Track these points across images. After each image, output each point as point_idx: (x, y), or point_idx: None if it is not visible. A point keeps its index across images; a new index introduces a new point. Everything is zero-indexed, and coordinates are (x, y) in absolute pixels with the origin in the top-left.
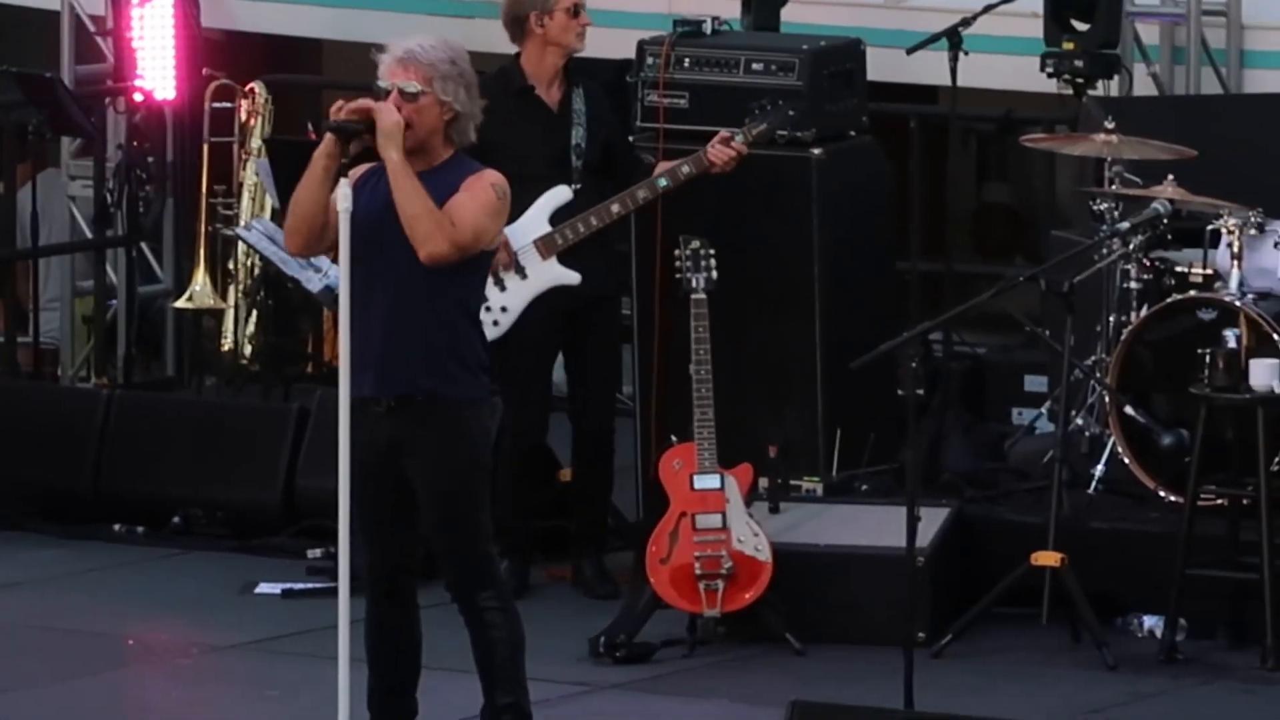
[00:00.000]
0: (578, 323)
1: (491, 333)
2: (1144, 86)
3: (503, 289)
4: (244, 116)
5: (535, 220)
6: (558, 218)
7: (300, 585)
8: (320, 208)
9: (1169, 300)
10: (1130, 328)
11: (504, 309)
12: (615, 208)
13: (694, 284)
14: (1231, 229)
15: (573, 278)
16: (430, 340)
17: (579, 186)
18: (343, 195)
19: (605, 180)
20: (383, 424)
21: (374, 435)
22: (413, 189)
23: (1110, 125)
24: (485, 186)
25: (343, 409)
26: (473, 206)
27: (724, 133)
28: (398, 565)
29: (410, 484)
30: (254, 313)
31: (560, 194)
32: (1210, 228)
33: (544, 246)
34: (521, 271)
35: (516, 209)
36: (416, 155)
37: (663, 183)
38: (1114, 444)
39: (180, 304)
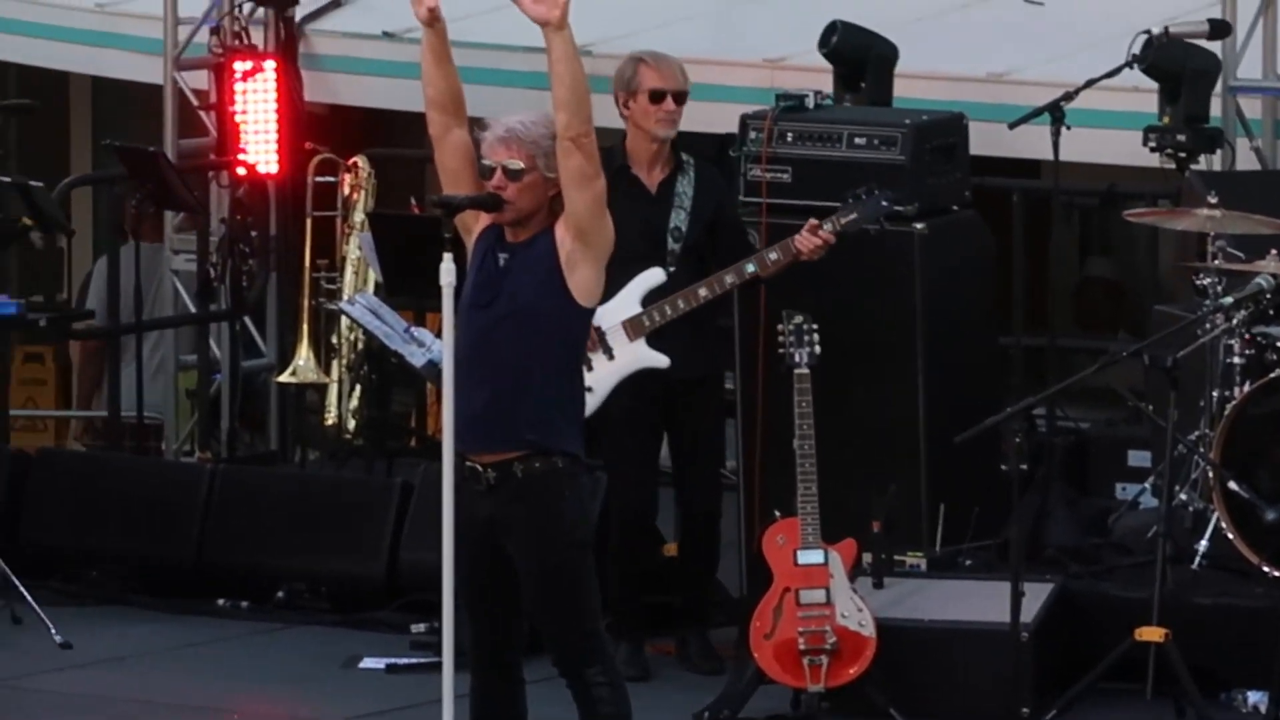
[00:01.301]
0: (675, 404)
1: None
2: (1247, 161)
3: (589, 369)
4: (347, 190)
5: (626, 301)
6: (650, 300)
7: (404, 660)
8: (442, 84)
9: (1272, 375)
10: (1233, 403)
11: (589, 389)
12: (703, 291)
13: (797, 359)
14: None
15: (661, 360)
16: (537, 392)
17: (673, 269)
18: (445, 270)
19: (708, 263)
20: (482, 501)
21: (474, 512)
22: (580, 70)
23: (1213, 200)
24: None
25: (446, 476)
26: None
27: (813, 221)
28: (502, 640)
29: (512, 559)
30: (357, 387)
31: (653, 276)
32: None
33: (632, 328)
34: (609, 352)
35: (610, 289)
36: (519, 227)
37: (750, 268)
38: (1217, 519)
39: (283, 378)
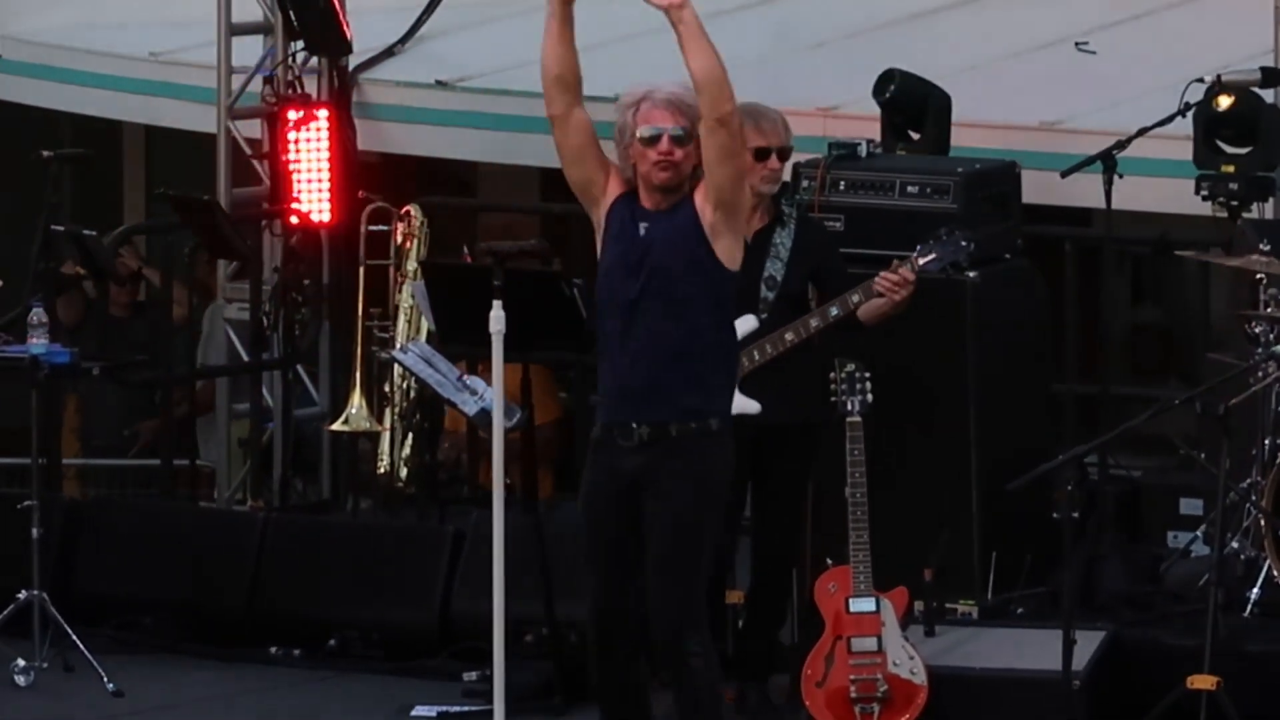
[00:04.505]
0: (765, 451)
1: None
2: None
3: None
4: (400, 239)
5: None
6: (742, 347)
7: (456, 708)
8: (568, 63)
9: None
10: None
11: None
12: (789, 335)
13: (849, 407)
14: None
15: (752, 406)
16: (693, 358)
17: (765, 316)
18: (495, 318)
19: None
20: (631, 457)
21: (618, 466)
22: (712, 47)
23: (1265, 248)
24: None
25: (497, 526)
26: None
27: (896, 261)
28: (623, 608)
29: (644, 519)
30: (409, 435)
31: (746, 323)
32: None
33: None
34: None
35: None
36: (668, 194)
37: (834, 311)
38: (1269, 567)
39: (336, 427)
